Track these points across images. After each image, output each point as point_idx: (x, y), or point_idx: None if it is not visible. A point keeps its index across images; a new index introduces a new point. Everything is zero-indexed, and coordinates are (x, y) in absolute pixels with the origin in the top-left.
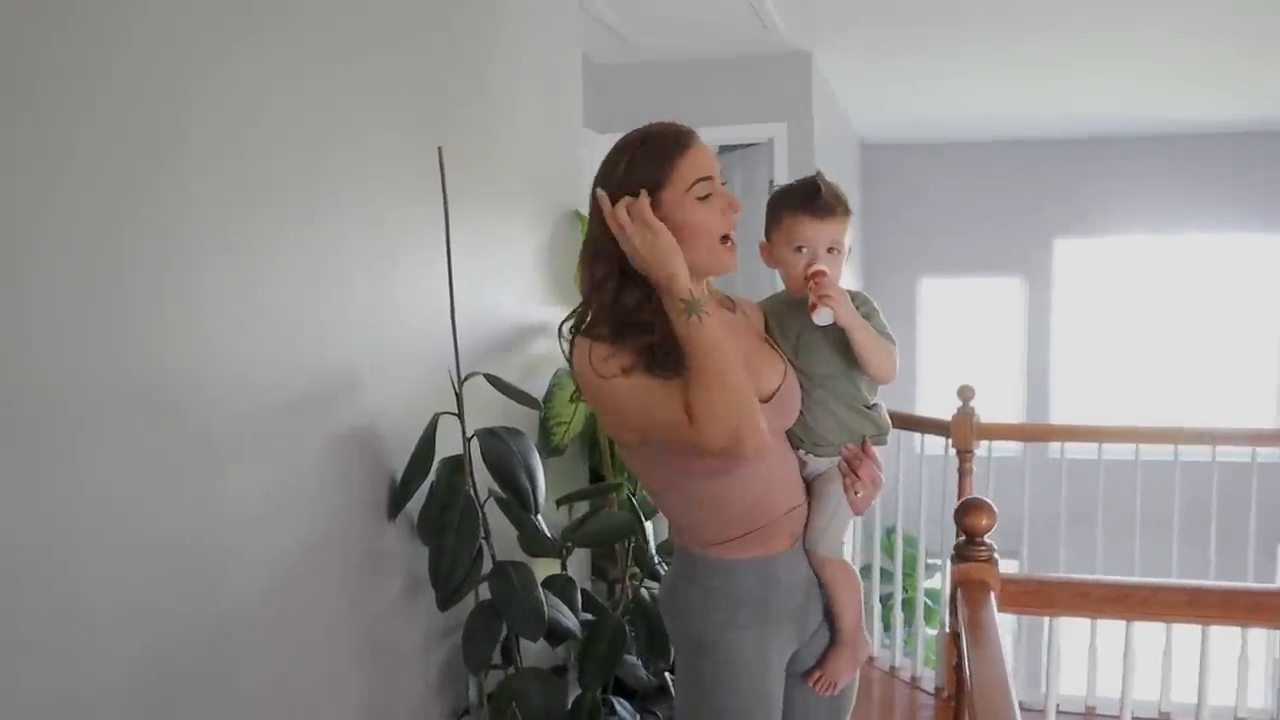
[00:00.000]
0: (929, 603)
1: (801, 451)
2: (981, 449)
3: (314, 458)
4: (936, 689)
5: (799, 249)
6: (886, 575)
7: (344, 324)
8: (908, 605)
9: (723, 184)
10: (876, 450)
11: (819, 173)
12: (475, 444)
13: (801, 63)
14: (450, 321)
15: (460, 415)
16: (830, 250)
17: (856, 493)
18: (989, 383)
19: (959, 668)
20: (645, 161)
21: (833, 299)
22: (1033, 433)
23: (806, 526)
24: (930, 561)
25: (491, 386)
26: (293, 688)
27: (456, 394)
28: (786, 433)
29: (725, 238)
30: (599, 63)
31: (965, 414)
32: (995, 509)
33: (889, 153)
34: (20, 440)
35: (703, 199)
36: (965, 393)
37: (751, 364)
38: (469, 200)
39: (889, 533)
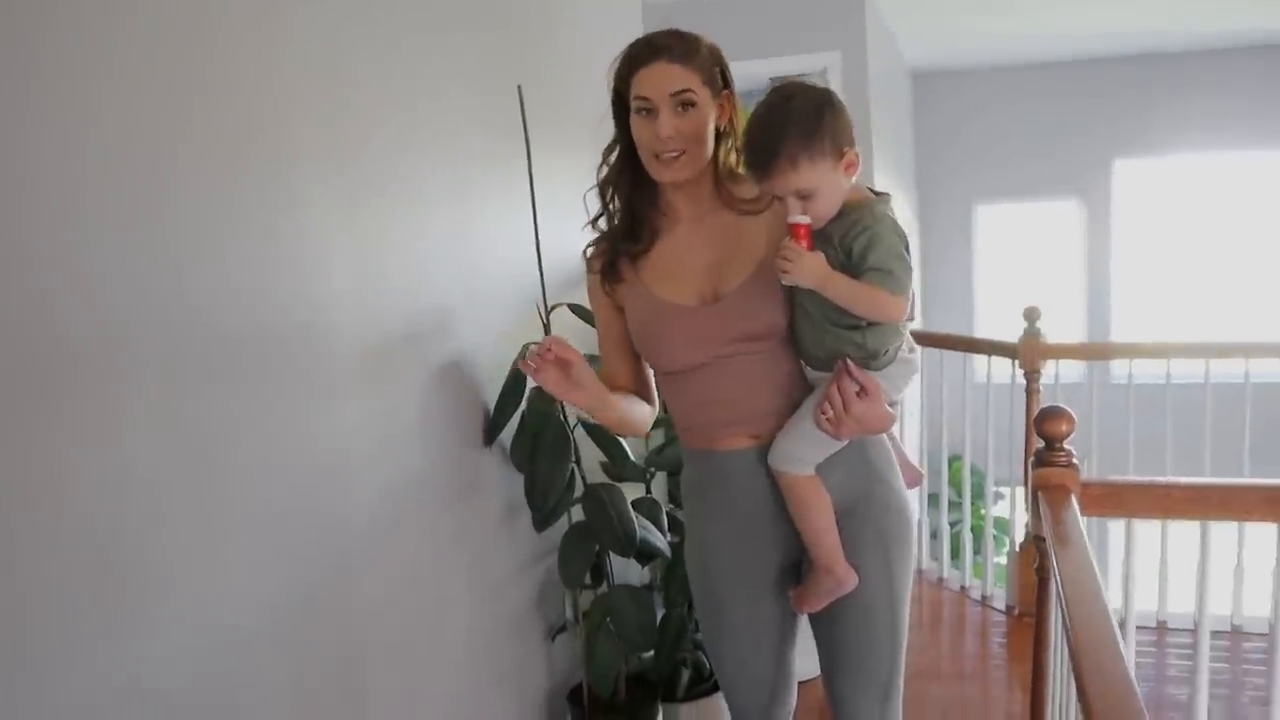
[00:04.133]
0: (996, 532)
1: (802, 362)
2: (1046, 375)
3: (416, 391)
4: (1008, 607)
5: (779, 200)
6: (954, 506)
7: (436, 262)
8: (975, 533)
9: (687, 103)
10: (875, 375)
11: (760, 105)
12: None
13: None
14: (536, 254)
15: None
16: (801, 197)
17: (824, 413)
18: (1049, 307)
19: (1041, 570)
20: (614, 78)
21: (788, 264)
22: (1100, 351)
23: None
24: (997, 490)
25: (576, 316)
26: (405, 604)
27: (544, 324)
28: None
29: (656, 155)
30: (654, 1)
31: (1032, 334)
32: (1074, 416)
33: (940, 80)
34: (177, 365)
35: (640, 115)
36: (1031, 313)
37: (716, 267)
38: (545, 136)
39: (953, 461)
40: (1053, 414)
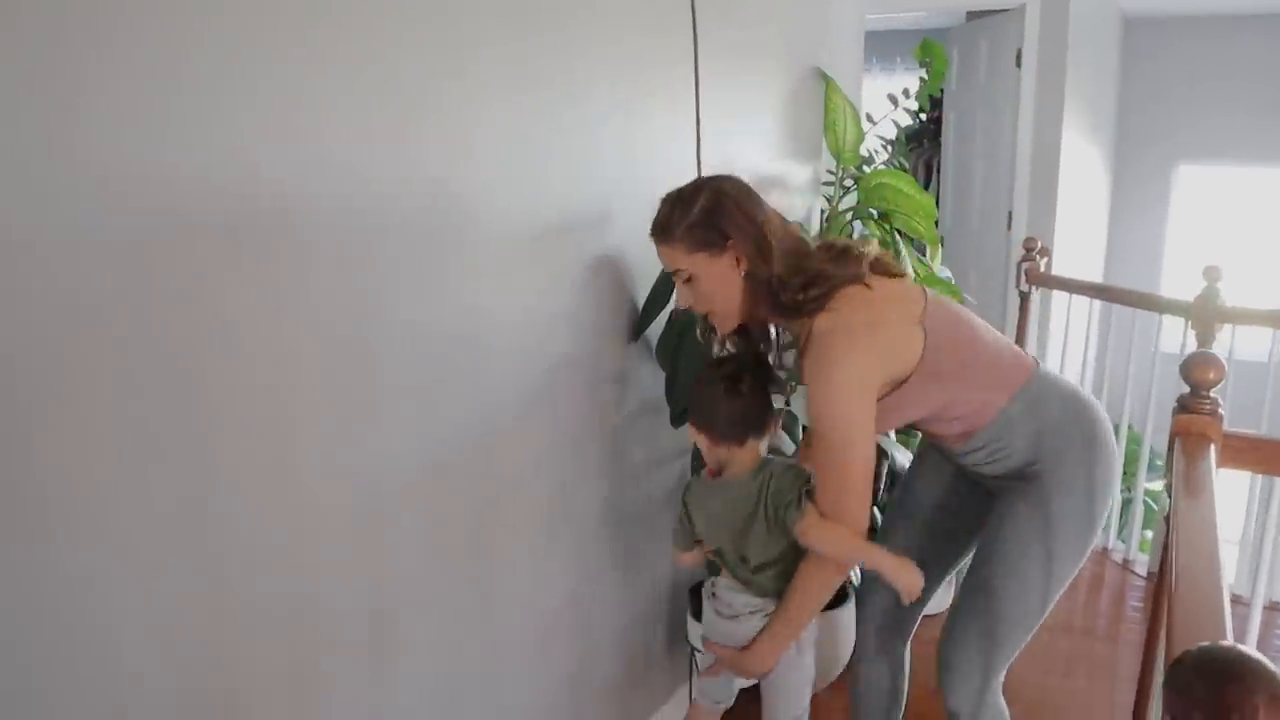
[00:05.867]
0: (1149, 502)
1: None
2: (1222, 347)
3: (570, 280)
4: (1149, 573)
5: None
6: None
7: (598, 159)
8: (1125, 506)
9: (686, 279)
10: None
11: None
12: None
13: None
14: (695, 159)
15: None
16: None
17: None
18: (1241, 277)
19: (1168, 518)
20: None
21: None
22: None
23: None
24: (1157, 463)
25: None
26: (541, 482)
27: None
28: None
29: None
30: None
31: (1209, 295)
32: (1224, 365)
33: (1157, 26)
34: (343, 237)
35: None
36: (1211, 273)
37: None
38: (716, 49)
39: (1114, 430)
40: (1201, 360)
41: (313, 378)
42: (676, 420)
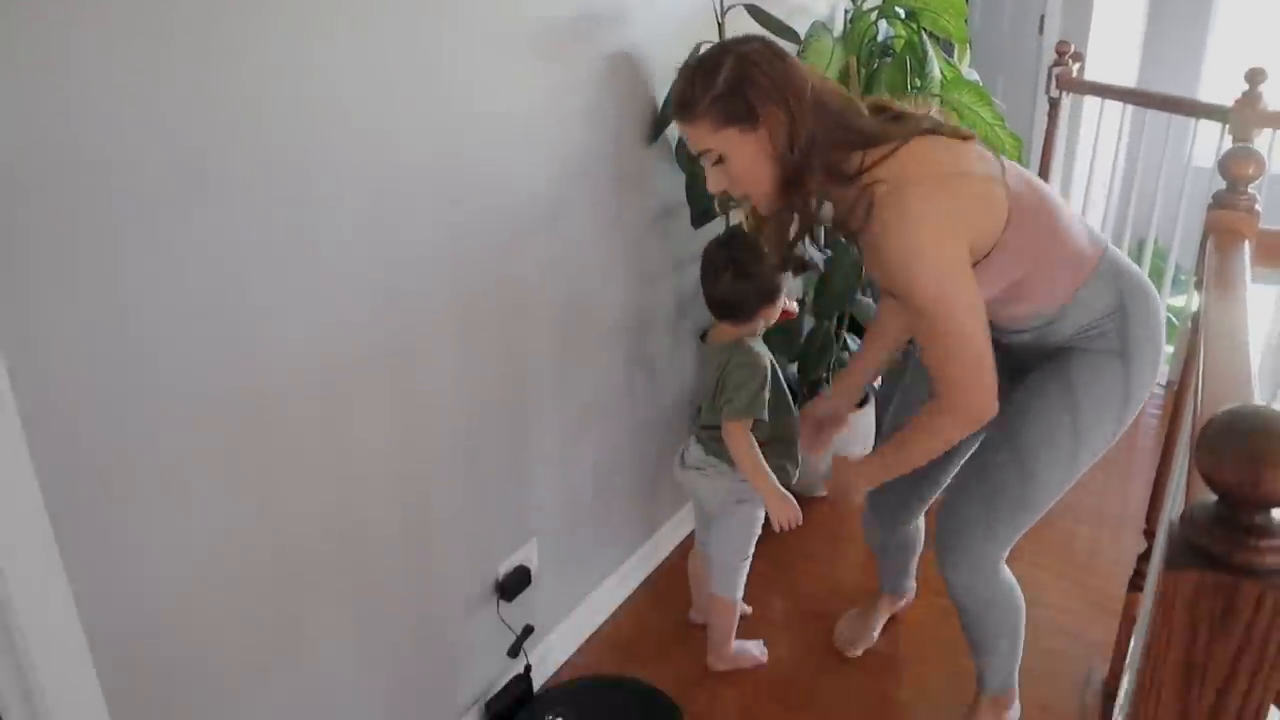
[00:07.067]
0: (1171, 318)
1: None
2: (1263, 152)
3: (587, 75)
4: (1169, 382)
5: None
6: None
7: None
8: None
9: (716, 159)
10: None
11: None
12: None
13: None
14: None
15: None
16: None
17: None
18: None
19: (1195, 319)
20: None
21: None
22: None
23: None
24: (1181, 278)
25: (752, 19)
26: (565, 280)
27: (718, 23)
28: None
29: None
30: None
31: (1250, 98)
32: (1265, 160)
33: None
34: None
35: None
36: (1255, 76)
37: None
38: None
39: (1140, 244)
40: (1241, 154)
41: (340, 167)
42: (697, 220)
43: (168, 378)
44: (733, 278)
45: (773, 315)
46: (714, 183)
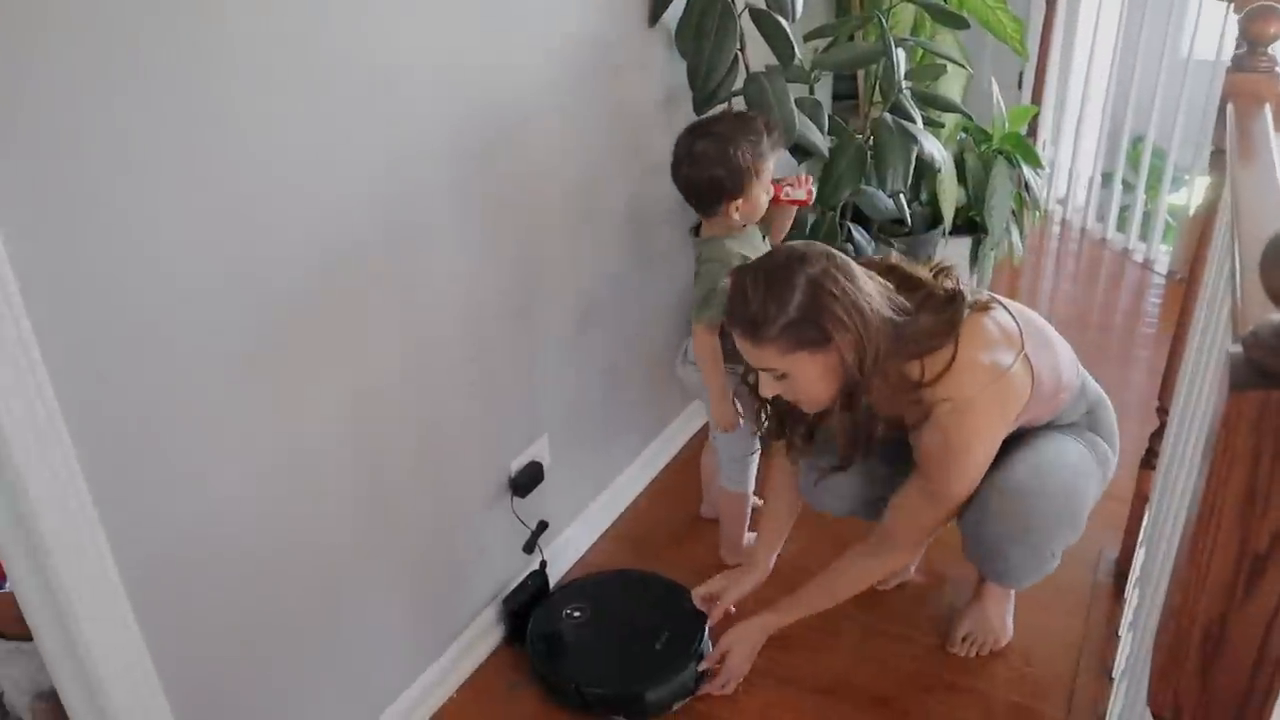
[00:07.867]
0: (1169, 219)
1: None
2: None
3: None
4: (1169, 271)
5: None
6: (1129, 187)
7: None
8: (1147, 219)
9: (779, 376)
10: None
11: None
12: None
13: None
14: None
15: None
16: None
17: None
18: None
19: (1213, 189)
20: None
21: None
22: None
23: None
24: (1178, 176)
25: None
26: (568, 166)
27: None
28: None
29: None
30: None
31: None
32: None
33: None
34: None
35: None
36: None
37: None
38: None
39: (1136, 142)
40: (1264, 11)
41: (338, 61)
42: (700, 104)
43: (184, 282)
44: (691, 166)
45: (751, 209)
46: (768, 389)
